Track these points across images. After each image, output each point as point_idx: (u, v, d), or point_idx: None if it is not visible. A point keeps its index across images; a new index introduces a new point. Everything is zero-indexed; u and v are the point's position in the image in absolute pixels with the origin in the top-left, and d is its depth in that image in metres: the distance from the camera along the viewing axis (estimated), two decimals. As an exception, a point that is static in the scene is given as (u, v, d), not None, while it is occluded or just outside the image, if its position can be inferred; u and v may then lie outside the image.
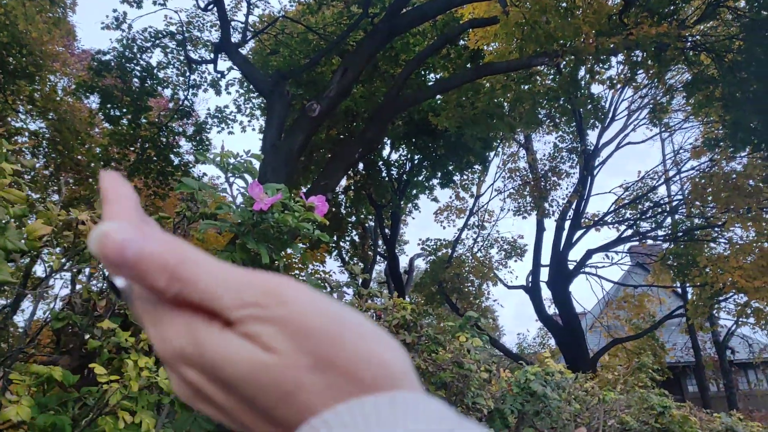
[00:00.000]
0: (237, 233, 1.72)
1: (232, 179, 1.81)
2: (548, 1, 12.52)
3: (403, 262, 24.12)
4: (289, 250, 1.95)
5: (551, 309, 19.00)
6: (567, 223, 18.08)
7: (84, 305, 1.84)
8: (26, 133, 17.16)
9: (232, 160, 1.76)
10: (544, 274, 18.37)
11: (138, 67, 14.36)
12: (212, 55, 13.86)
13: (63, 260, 1.80)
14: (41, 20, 14.43)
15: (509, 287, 19.66)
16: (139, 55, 14.44)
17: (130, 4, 14.15)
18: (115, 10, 14.22)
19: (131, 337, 1.70)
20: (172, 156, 15.34)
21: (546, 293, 18.42)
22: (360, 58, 10.37)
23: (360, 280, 22.31)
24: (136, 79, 14.45)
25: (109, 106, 14.18)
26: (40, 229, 1.47)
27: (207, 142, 15.67)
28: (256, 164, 1.84)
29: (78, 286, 1.99)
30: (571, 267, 18.00)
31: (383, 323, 2.59)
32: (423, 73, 16.76)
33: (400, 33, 11.84)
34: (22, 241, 1.40)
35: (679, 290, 19.87)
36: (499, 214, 22.64)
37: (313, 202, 1.86)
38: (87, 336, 1.84)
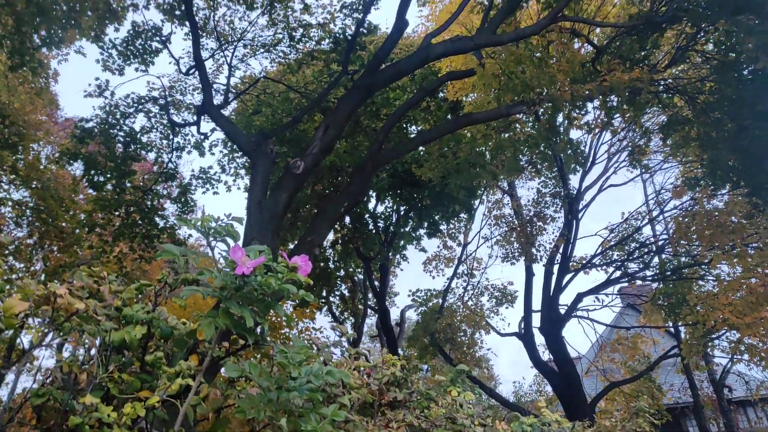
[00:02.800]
0: (220, 298, 1.71)
1: (213, 243, 1.80)
2: (522, 52, 12.87)
3: (395, 314, 23.96)
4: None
5: (546, 355, 18.84)
6: (555, 268, 18.11)
7: (65, 379, 1.80)
8: (9, 203, 17.11)
9: (213, 224, 1.76)
10: (537, 319, 18.29)
11: (121, 133, 14.46)
12: (195, 118, 13.99)
13: (43, 332, 1.77)
14: (24, 91, 14.59)
15: (502, 335, 19.52)
16: (122, 121, 14.56)
17: (113, 71, 14.36)
18: (97, 78, 14.42)
19: (113, 412, 1.66)
20: (157, 219, 15.30)
21: (539, 339, 18.30)
22: (341, 115, 10.52)
23: (350, 339, 22.07)
24: (119, 145, 14.53)
25: (93, 172, 14.20)
26: (17, 306, 1.45)
27: (192, 204, 15.66)
28: (239, 227, 1.85)
29: (57, 360, 1.96)
30: (562, 311, 17.93)
31: (373, 381, 2.55)
32: (404, 126, 17.02)
33: (379, 88, 12.06)
34: (-1, 318, 1.38)
35: (672, 330, 19.81)
36: (487, 262, 22.76)
37: (296, 262, 1.85)
38: (68, 411, 1.79)
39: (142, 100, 14.76)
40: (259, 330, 1.94)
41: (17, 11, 11.28)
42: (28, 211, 17.41)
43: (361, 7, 13.75)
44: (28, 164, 16.54)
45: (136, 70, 14.29)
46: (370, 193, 18.99)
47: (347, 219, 19.20)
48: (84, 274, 2.03)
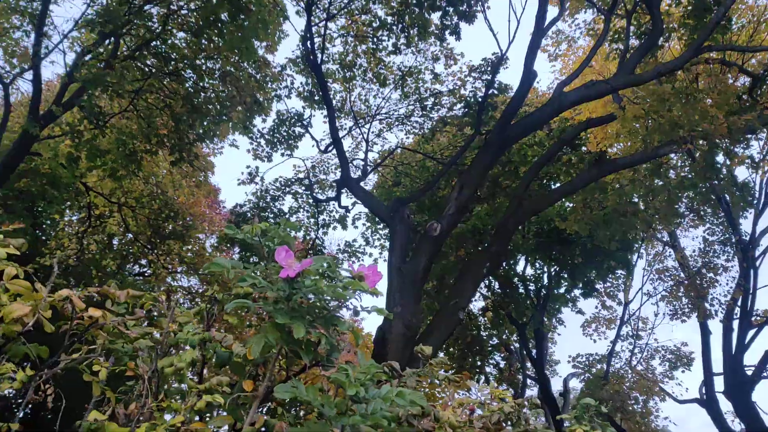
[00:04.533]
0: (272, 312, 1.55)
1: (267, 254, 1.67)
2: (667, 89, 12.03)
3: (557, 384, 22.53)
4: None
5: (736, 424, 16.61)
6: (735, 323, 16.14)
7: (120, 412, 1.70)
8: (180, 291, 18.58)
9: (265, 232, 1.63)
10: (720, 383, 16.27)
11: (271, 215, 15.32)
12: (335, 192, 14.55)
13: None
14: (186, 184, 16.04)
15: (680, 402, 17.56)
16: (272, 204, 15.46)
17: (262, 159, 15.45)
18: (248, 166, 15.57)
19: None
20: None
21: (726, 405, 16.20)
22: (474, 174, 10.36)
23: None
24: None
25: (248, 254, 15.07)
26: (17, 311, 1.37)
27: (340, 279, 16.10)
28: (293, 233, 1.70)
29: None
30: (749, 372, 15.81)
31: (478, 418, 2.22)
32: (547, 183, 16.46)
33: (513, 143, 11.81)
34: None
35: None
36: (654, 321, 20.62)
37: (362, 271, 1.67)
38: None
39: (289, 182, 15.64)
40: (324, 348, 1.75)
41: (176, 112, 12.53)
42: (197, 299, 18.74)
43: (489, 69, 13.76)
44: (195, 253, 17.94)
45: (282, 155, 15.26)
46: (518, 255, 18.38)
47: (496, 284, 18.66)
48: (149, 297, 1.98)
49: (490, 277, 18.41)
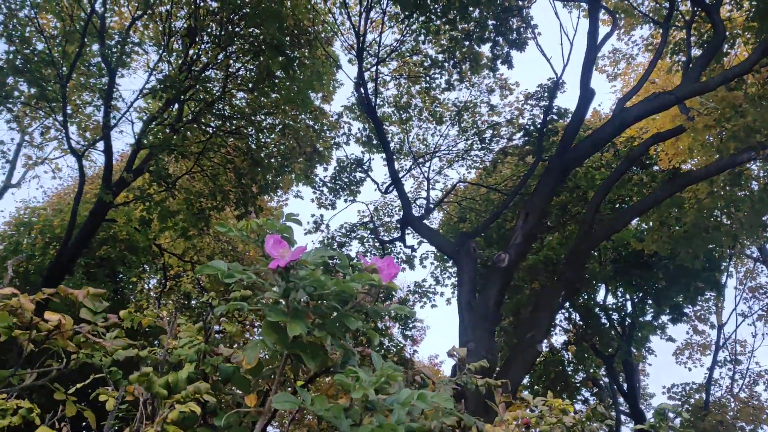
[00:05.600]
0: (266, 311, 1.42)
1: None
2: (738, 95, 11.42)
3: (653, 418, 21.13)
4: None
5: None
6: None
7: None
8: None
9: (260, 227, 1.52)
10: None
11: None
12: (399, 233, 14.47)
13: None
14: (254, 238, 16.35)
15: (794, 430, 16.12)
16: (339, 250, 15.47)
17: (326, 207, 15.59)
18: (313, 215, 15.74)
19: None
20: (384, 340, 15.61)
21: None
22: (539, 200, 10.04)
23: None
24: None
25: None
26: None
27: (412, 319, 15.87)
28: (296, 228, 1.57)
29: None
30: None
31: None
32: (619, 206, 15.85)
33: (576, 165, 11.44)
34: None
35: None
36: (753, 343, 19.03)
37: (375, 263, 1.53)
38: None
39: (354, 227, 15.69)
40: (333, 351, 1.60)
41: (239, 167, 12.85)
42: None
43: (545, 95, 13.52)
44: (268, 306, 18.16)
45: (345, 201, 15.35)
46: (597, 284, 17.62)
47: (577, 316, 17.89)
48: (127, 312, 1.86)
49: (571, 309, 17.70)
